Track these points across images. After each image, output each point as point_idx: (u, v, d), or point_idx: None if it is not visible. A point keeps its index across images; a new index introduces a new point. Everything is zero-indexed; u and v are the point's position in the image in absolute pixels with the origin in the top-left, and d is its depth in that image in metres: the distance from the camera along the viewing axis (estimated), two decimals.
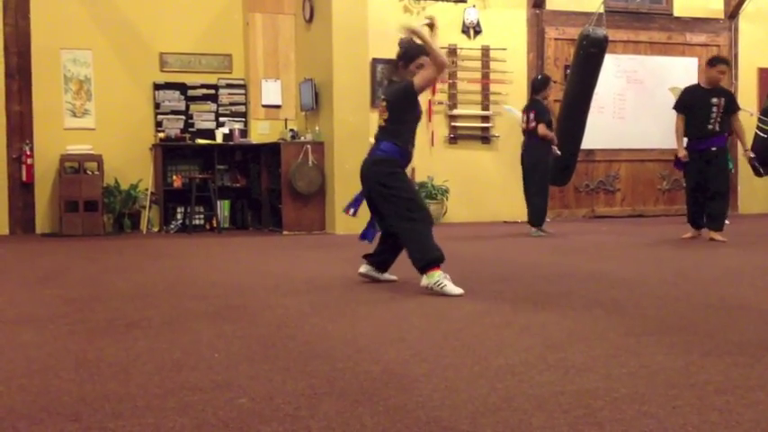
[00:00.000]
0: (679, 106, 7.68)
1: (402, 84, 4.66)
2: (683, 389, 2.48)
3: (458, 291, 4.32)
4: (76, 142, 9.30)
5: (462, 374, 2.68)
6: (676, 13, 11.60)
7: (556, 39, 10.94)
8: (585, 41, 8.60)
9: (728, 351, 2.98)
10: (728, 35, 11.79)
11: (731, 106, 7.49)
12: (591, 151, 10.68)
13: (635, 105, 11.05)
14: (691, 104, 7.55)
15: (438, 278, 4.38)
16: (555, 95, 10.49)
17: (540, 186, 8.31)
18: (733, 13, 11.75)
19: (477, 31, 10.63)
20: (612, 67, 10.50)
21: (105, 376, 2.72)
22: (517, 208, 10.75)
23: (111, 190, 9.36)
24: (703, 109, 7.44)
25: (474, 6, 10.60)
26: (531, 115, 8.23)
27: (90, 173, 9.15)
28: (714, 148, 7.46)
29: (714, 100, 7.44)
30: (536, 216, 8.39)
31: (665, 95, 10.70)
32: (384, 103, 4.66)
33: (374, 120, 10.59)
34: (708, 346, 3.08)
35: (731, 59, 11.71)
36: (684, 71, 11.38)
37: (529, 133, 8.28)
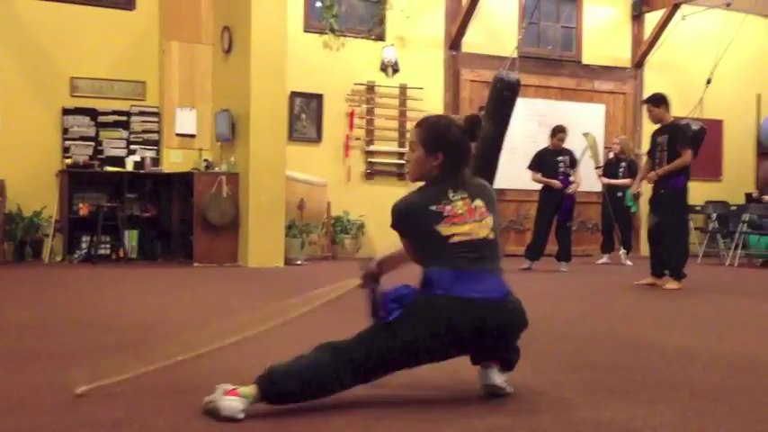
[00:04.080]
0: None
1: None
2: (588, 426, 2.52)
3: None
4: None
5: (372, 412, 2.66)
6: (585, 60, 12.05)
7: (471, 80, 11.19)
8: (499, 84, 8.81)
9: (632, 389, 3.06)
10: (634, 83, 12.31)
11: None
12: (502, 191, 10.90)
13: None
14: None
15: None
16: None
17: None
18: (639, 63, 12.29)
19: (395, 70, 10.78)
20: (524, 110, 10.78)
21: (6, 410, 2.59)
22: None
23: (13, 217, 9.00)
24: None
25: (393, 45, 10.76)
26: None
27: None
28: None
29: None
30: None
31: (574, 140, 11.04)
32: (483, 207, 2.91)
33: (294, 153, 10.70)
34: (613, 385, 3.15)
35: (637, 106, 12.23)
36: (592, 117, 11.79)
37: None
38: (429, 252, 2.83)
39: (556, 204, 8.96)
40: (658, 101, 7.31)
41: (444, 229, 2.80)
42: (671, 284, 7.06)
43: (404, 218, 2.91)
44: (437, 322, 2.69)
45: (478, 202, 2.88)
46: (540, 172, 9.02)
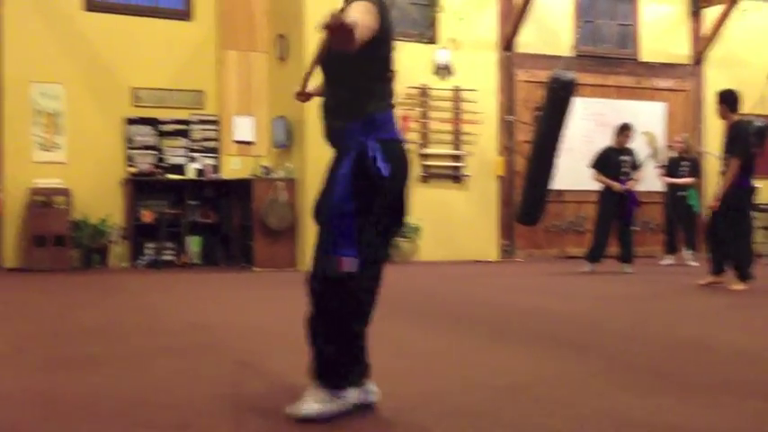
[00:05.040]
0: None
1: None
2: (647, 428, 2.49)
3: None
4: (46, 176, 9.22)
5: (429, 413, 2.67)
6: (643, 58, 11.84)
7: (526, 81, 11.10)
8: (555, 84, 8.74)
9: (694, 393, 3.01)
10: (695, 80, 12.04)
11: None
12: (561, 192, 10.78)
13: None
14: None
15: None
16: (525, 136, 10.63)
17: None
18: (698, 59, 12.03)
19: (449, 72, 10.75)
20: (581, 109, 10.65)
21: (69, 413, 2.67)
22: (487, 246, 10.82)
23: (80, 224, 9.27)
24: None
25: (445, 48, 10.74)
26: None
27: (58, 207, 9.07)
28: None
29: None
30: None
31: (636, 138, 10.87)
32: None
33: None
34: (674, 388, 3.10)
35: (698, 103, 11.97)
36: (652, 115, 11.58)
37: None
38: (371, 83, 2.66)
39: (616, 205, 8.82)
40: (720, 98, 7.17)
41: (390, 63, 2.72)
42: (737, 285, 6.90)
43: (385, 16, 2.70)
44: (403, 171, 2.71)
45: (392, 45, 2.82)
46: (602, 171, 8.88)
